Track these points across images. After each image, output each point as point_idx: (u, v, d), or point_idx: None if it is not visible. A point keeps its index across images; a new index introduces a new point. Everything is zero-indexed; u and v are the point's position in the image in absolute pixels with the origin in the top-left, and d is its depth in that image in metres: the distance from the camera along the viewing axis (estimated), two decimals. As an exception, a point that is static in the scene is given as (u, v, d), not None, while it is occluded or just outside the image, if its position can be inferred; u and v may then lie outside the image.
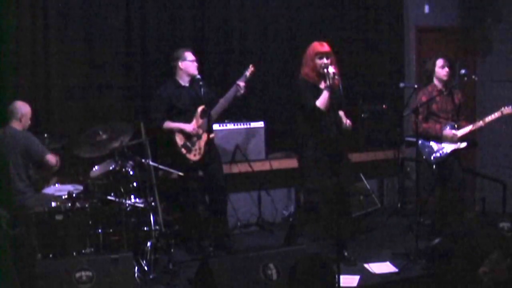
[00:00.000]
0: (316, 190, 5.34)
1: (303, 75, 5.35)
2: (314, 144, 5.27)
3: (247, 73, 5.78)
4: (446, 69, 5.94)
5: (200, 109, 5.76)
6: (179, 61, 5.78)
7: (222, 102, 5.78)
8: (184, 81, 5.82)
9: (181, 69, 5.79)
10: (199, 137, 5.74)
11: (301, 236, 5.60)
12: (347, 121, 5.27)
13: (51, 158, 5.30)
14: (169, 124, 5.73)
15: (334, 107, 5.17)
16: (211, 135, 5.73)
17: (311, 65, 5.29)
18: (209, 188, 5.90)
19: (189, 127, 5.72)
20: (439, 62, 5.96)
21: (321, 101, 5.18)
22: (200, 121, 5.75)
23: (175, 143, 5.69)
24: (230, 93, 5.77)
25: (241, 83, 5.73)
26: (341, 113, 5.34)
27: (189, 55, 5.80)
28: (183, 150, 5.68)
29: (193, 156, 5.74)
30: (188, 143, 5.72)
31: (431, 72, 6.01)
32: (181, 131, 5.71)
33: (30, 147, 5.23)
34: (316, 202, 5.41)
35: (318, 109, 5.19)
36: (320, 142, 5.25)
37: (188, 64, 5.78)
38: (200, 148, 5.75)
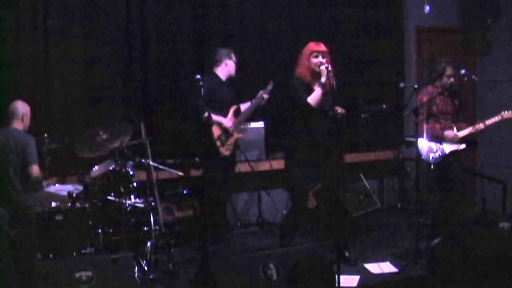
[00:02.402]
0: (303, 191, 5.35)
1: (298, 75, 5.35)
2: (303, 145, 5.27)
3: (270, 87, 5.94)
4: (452, 79, 5.94)
5: (233, 108, 5.90)
6: (227, 58, 5.92)
7: (246, 114, 5.95)
8: (224, 78, 5.93)
9: (226, 66, 5.93)
10: (231, 134, 5.85)
11: (294, 237, 5.58)
12: (339, 109, 5.20)
13: (36, 170, 5.16)
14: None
15: (325, 108, 5.15)
16: (240, 135, 5.96)
17: (306, 64, 5.29)
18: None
19: (227, 122, 5.83)
20: (449, 71, 5.91)
21: (313, 98, 5.18)
22: (233, 119, 5.88)
23: (211, 134, 5.74)
24: (253, 104, 5.95)
25: (265, 95, 5.91)
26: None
27: (234, 56, 5.97)
28: (218, 143, 5.75)
29: (225, 151, 5.83)
30: (222, 137, 5.80)
31: (438, 76, 5.98)
32: (219, 125, 5.78)
33: (26, 149, 5.16)
34: (304, 204, 5.42)
35: (309, 105, 5.18)
36: (310, 142, 5.24)
37: (233, 64, 5.97)
38: (231, 144, 5.88)
